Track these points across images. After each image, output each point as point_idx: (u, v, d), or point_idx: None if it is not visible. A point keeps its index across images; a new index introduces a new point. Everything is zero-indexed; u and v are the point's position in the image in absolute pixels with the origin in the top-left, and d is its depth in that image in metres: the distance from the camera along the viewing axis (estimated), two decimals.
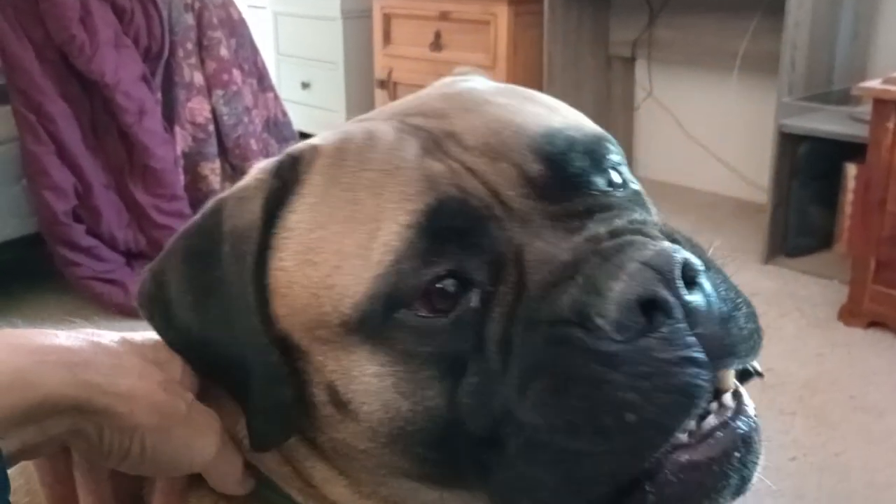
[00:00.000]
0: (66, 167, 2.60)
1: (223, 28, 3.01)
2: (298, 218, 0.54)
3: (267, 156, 3.12)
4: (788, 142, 2.79)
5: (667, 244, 0.50)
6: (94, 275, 2.64)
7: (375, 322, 0.51)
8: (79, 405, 0.48)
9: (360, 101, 4.31)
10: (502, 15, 3.54)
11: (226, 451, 0.56)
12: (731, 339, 0.50)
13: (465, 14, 3.68)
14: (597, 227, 0.52)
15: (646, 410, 0.46)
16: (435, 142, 0.55)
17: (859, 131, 2.54)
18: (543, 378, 0.49)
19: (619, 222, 0.53)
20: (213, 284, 0.55)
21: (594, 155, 0.57)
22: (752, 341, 0.52)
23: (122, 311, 2.60)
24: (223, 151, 3.00)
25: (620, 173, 0.58)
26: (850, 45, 2.95)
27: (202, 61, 2.95)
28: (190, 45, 2.91)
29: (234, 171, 3.06)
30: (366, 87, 4.25)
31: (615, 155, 0.59)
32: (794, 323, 2.50)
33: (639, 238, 0.51)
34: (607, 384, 0.47)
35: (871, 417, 2.04)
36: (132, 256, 2.77)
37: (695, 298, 0.49)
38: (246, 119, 3.05)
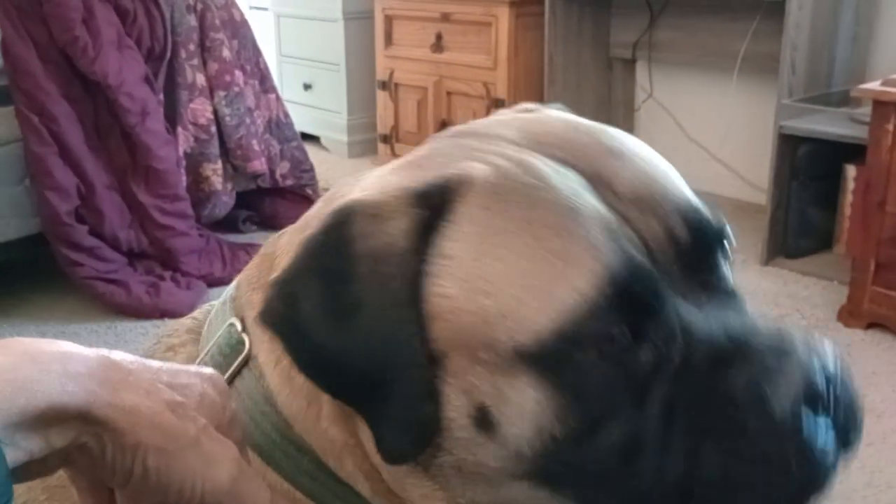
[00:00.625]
0: (68, 168, 2.61)
1: (225, 29, 3.02)
2: (460, 247, 0.55)
3: (269, 156, 3.15)
4: (788, 143, 2.80)
5: (818, 338, 0.57)
6: (97, 275, 2.64)
7: (552, 355, 0.53)
8: (80, 415, 0.48)
9: (361, 102, 4.32)
10: (503, 16, 3.55)
11: (244, 481, 0.54)
12: (848, 441, 0.57)
13: (467, 15, 3.69)
14: (738, 310, 0.58)
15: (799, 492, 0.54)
16: (589, 183, 0.57)
17: (859, 133, 2.54)
18: (713, 457, 0.53)
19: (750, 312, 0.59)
20: (352, 305, 0.55)
21: (723, 237, 0.61)
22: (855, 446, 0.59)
23: (123, 311, 2.61)
24: (225, 152, 3.02)
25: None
26: (850, 46, 2.96)
27: (204, 62, 2.97)
28: (192, 47, 2.92)
29: (235, 171, 3.07)
30: (367, 88, 4.26)
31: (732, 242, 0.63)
32: (793, 324, 2.50)
33: (788, 329, 0.56)
34: (775, 465, 0.53)
35: (871, 418, 2.04)
36: (134, 257, 2.78)
37: (840, 397, 0.55)
38: (248, 120, 3.06)
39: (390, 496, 0.61)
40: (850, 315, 2.47)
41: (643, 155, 0.62)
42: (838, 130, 2.66)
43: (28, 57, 2.57)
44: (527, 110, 0.70)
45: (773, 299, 2.65)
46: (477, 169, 0.57)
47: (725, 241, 0.61)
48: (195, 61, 2.93)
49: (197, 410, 0.54)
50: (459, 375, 0.55)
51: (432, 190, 0.56)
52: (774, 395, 0.52)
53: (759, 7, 3.02)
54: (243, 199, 3.19)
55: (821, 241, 2.92)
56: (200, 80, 2.94)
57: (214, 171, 2.96)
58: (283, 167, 3.22)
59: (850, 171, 2.76)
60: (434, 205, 0.55)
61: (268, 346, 0.62)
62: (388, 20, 4.03)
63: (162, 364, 0.56)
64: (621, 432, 0.54)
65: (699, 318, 0.55)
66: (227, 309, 0.67)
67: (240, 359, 0.63)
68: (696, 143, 3.65)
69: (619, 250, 0.54)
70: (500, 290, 0.53)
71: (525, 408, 0.54)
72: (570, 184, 0.56)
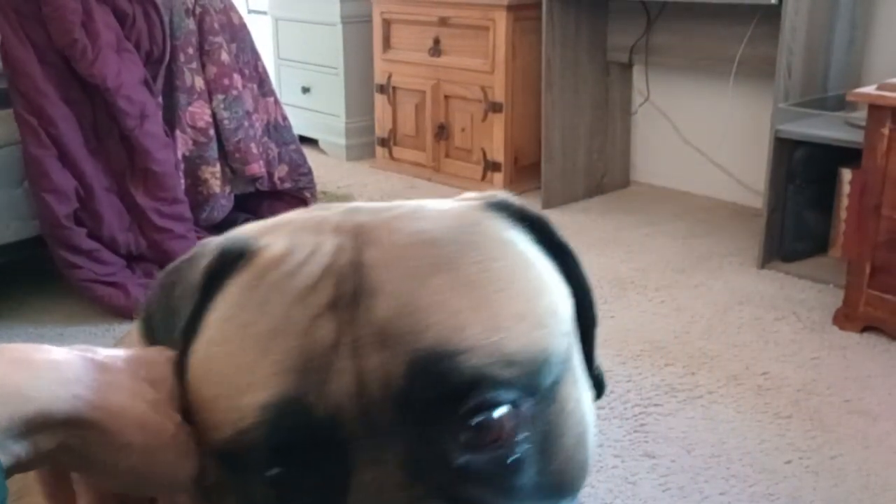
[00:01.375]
0: (67, 170, 2.61)
1: (224, 33, 3.03)
2: (212, 320, 0.55)
3: (267, 160, 3.15)
4: (784, 147, 2.81)
5: None
6: (95, 278, 2.65)
7: (226, 463, 0.52)
8: (69, 420, 0.49)
9: (359, 105, 4.33)
10: (501, 20, 3.56)
11: None
12: None
13: (465, 19, 3.70)
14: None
15: None
16: (350, 299, 0.50)
17: (855, 137, 2.55)
18: None
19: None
20: (166, 317, 0.58)
21: (453, 402, 0.48)
22: None
23: (122, 314, 2.62)
24: (223, 155, 3.02)
25: (505, 428, 0.49)
26: (846, 51, 2.97)
27: (203, 66, 2.97)
28: (191, 50, 2.92)
29: (234, 174, 3.07)
30: (365, 91, 4.27)
31: (505, 405, 0.49)
32: (789, 327, 2.51)
33: None
34: None
35: (867, 421, 2.05)
36: (133, 259, 2.78)
37: None
38: (246, 123, 3.06)
39: None
40: (846, 318, 2.48)
41: (447, 287, 0.51)
42: (834, 134, 2.67)
43: (27, 59, 2.58)
44: (468, 199, 0.61)
45: (770, 302, 2.66)
46: (273, 246, 0.55)
47: (467, 409, 0.48)
48: (194, 65, 2.93)
49: (171, 404, 0.55)
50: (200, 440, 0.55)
51: (235, 250, 0.56)
52: None
53: (756, 11, 3.03)
54: (241, 202, 3.19)
55: (817, 244, 2.93)
56: (199, 83, 2.94)
57: (213, 174, 2.96)
58: (281, 170, 3.23)
59: (846, 174, 2.78)
60: (227, 262, 0.55)
61: None
62: (387, 24, 4.03)
63: (137, 358, 0.57)
64: None
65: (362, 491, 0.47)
66: None
67: None
68: (692, 146, 3.66)
69: (305, 386, 0.48)
70: (211, 386, 0.53)
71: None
72: (318, 294, 0.51)
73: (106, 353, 0.54)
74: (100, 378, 0.51)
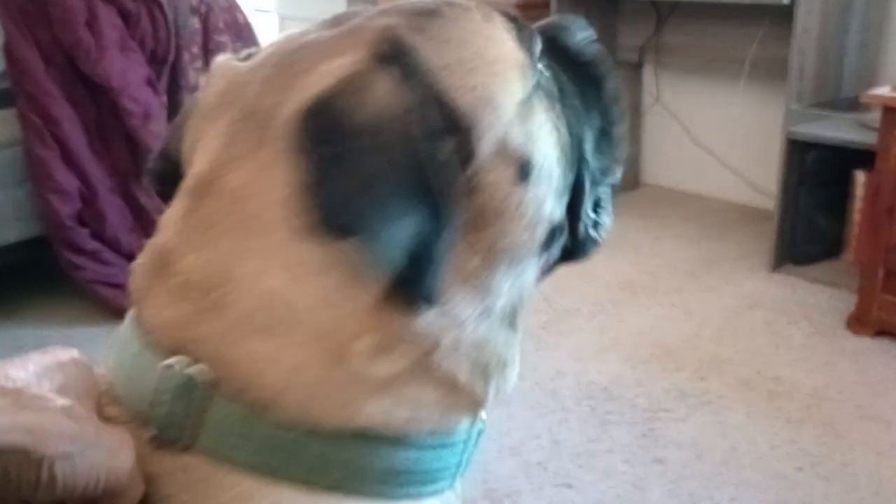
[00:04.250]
0: (71, 171, 2.60)
1: (229, 32, 3.01)
2: (440, 57, 0.62)
3: None
4: (796, 149, 2.78)
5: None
6: (99, 278, 2.64)
7: (536, 78, 0.63)
8: None
9: None
10: None
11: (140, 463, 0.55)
12: None
13: None
14: None
15: None
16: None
17: (868, 139, 2.52)
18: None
19: None
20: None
21: None
22: None
23: (125, 315, 2.60)
24: None
25: None
26: (859, 52, 2.94)
27: (208, 65, 2.96)
28: (195, 49, 2.91)
29: None
30: None
31: None
32: (801, 331, 2.48)
33: None
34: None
35: (879, 427, 2.02)
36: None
37: None
38: None
39: None
40: (859, 323, 2.45)
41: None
42: (847, 136, 2.64)
43: (31, 59, 2.57)
44: None
45: (781, 306, 2.63)
46: (380, 20, 0.58)
47: None
48: (198, 64, 2.92)
49: (85, 404, 0.54)
50: (491, 136, 0.55)
51: (381, 46, 0.53)
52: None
53: (768, 12, 3.00)
54: None
55: (829, 247, 2.89)
56: (203, 82, 2.93)
57: None
58: None
59: (859, 177, 2.74)
60: (396, 51, 0.53)
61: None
62: None
63: (45, 363, 0.55)
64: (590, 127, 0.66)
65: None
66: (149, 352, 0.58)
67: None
68: (703, 148, 3.63)
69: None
70: (485, 55, 0.58)
71: (546, 134, 0.59)
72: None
73: (4, 375, 0.53)
74: (3, 402, 0.50)
